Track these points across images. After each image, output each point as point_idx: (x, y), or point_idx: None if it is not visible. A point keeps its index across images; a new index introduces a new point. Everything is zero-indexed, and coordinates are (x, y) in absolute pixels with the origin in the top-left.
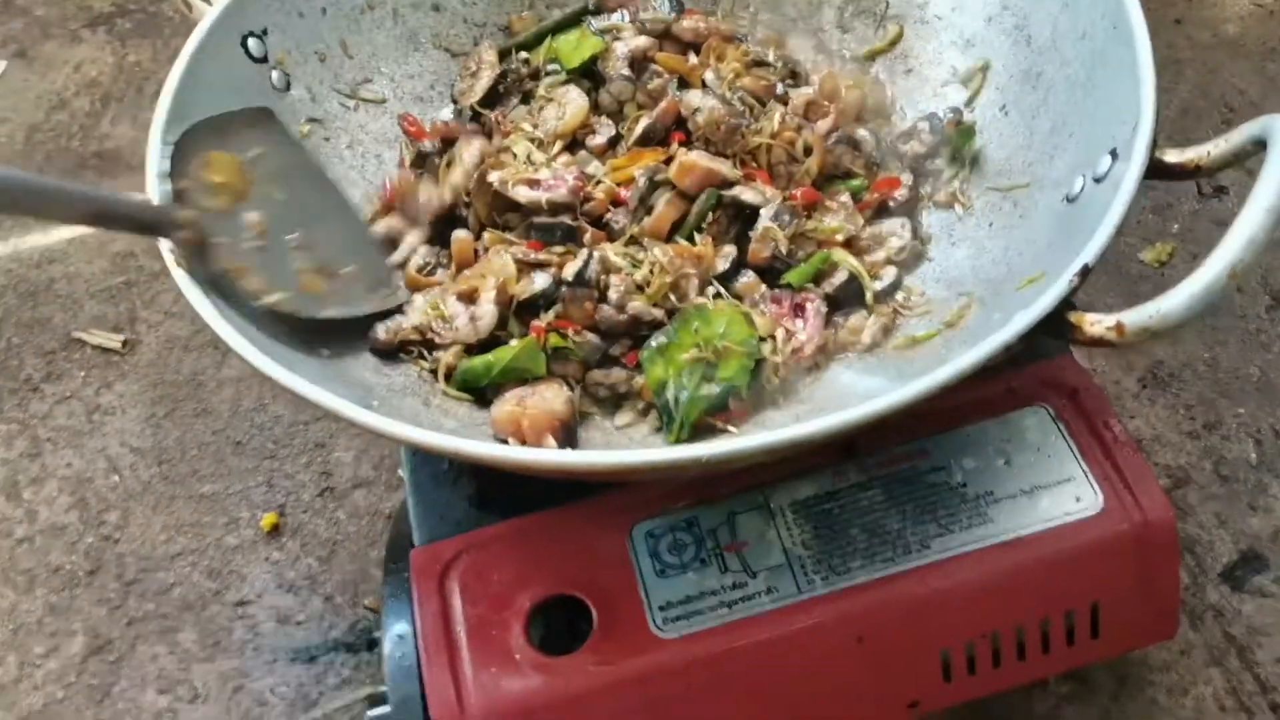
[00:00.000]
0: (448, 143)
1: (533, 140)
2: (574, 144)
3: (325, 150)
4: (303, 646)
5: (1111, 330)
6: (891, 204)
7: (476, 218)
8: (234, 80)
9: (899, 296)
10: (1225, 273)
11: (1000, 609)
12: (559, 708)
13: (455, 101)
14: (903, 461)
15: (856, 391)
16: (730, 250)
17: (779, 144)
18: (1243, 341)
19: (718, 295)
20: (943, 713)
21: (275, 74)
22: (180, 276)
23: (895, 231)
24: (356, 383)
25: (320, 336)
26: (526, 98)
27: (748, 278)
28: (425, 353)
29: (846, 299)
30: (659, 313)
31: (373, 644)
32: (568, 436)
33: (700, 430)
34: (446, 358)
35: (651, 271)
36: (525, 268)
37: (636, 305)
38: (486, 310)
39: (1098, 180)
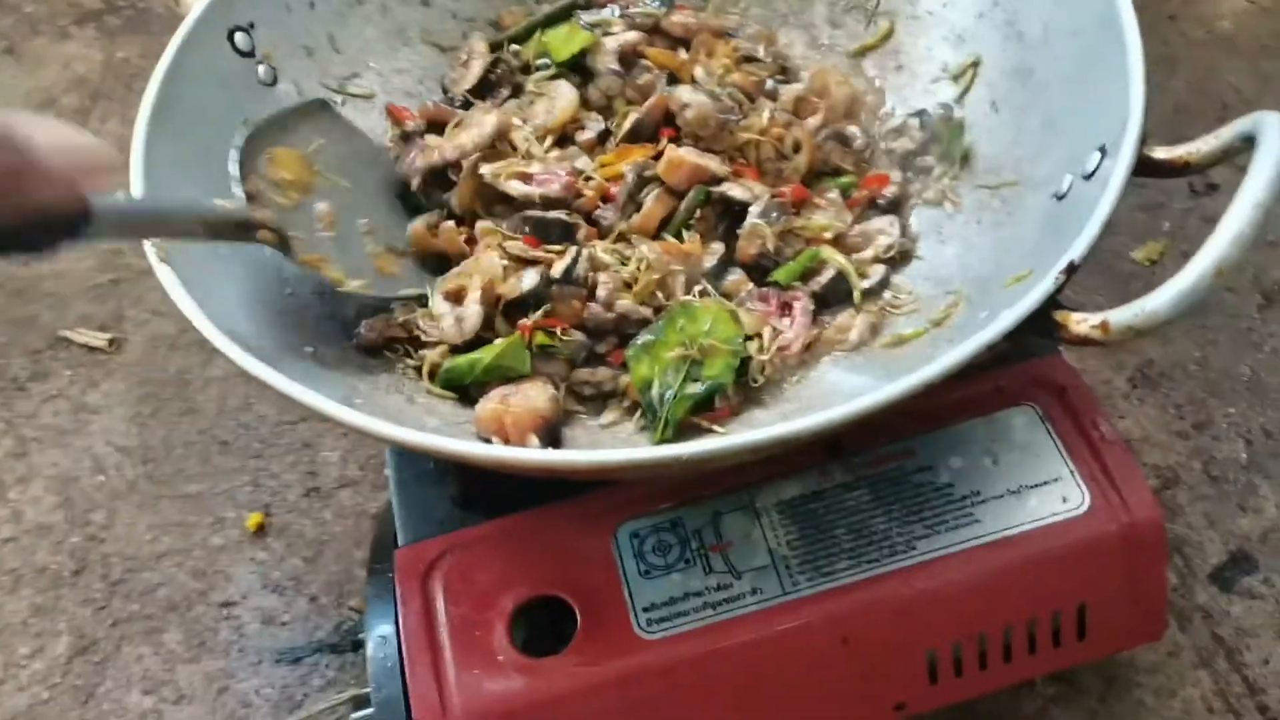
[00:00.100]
0: (434, 124)
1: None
2: (563, 139)
3: None
4: (288, 648)
5: (1097, 329)
6: (880, 201)
7: (461, 203)
8: (221, 74)
9: (887, 295)
10: (1211, 271)
11: (987, 610)
12: (542, 709)
13: (446, 91)
14: (889, 461)
15: (843, 390)
16: (718, 247)
17: (768, 140)
18: (1233, 341)
19: (704, 293)
20: (929, 714)
21: (262, 68)
22: (164, 274)
23: (884, 229)
24: (340, 381)
25: (306, 334)
26: (516, 90)
27: (735, 275)
28: (410, 350)
29: (834, 297)
30: (647, 311)
31: (358, 645)
32: (551, 435)
33: (685, 429)
34: (432, 356)
35: (639, 269)
36: (515, 264)
37: (624, 304)
38: (472, 311)
39: (1086, 177)
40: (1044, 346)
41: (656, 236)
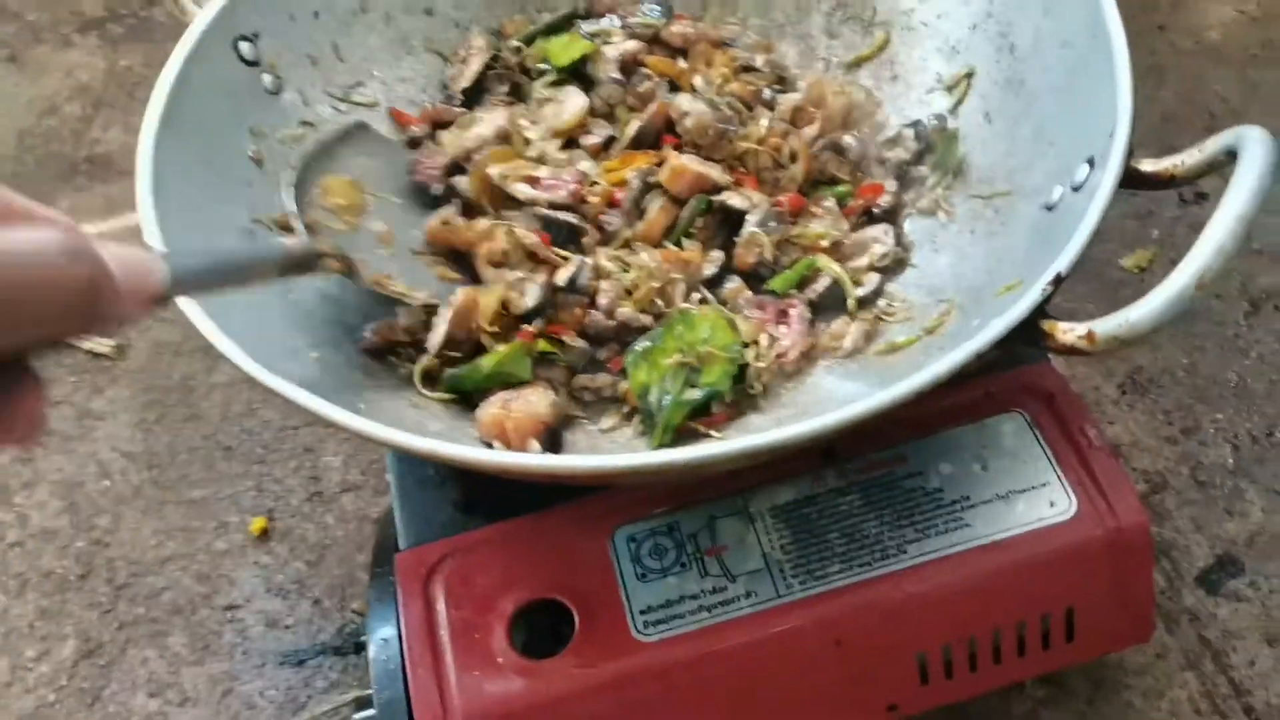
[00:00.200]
0: (437, 126)
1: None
2: (567, 144)
3: None
4: (291, 650)
5: (1083, 339)
6: (876, 210)
7: (474, 192)
8: (226, 84)
9: (881, 303)
10: (1194, 282)
11: (976, 613)
12: (541, 710)
13: (446, 88)
14: (881, 467)
15: (837, 396)
16: (718, 255)
17: (765, 150)
18: (1221, 347)
19: (703, 300)
20: (921, 716)
21: (267, 77)
22: None
23: (878, 238)
24: (345, 385)
25: (311, 339)
26: (515, 89)
27: (733, 283)
28: (414, 355)
29: (829, 305)
30: (647, 319)
31: (360, 647)
32: (551, 440)
33: (683, 434)
34: (424, 361)
35: (640, 277)
36: (523, 259)
37: (625, 311)
38: (439, 332)
39: (1075, 189)
40: (1033, 354)
41: (659, 244)
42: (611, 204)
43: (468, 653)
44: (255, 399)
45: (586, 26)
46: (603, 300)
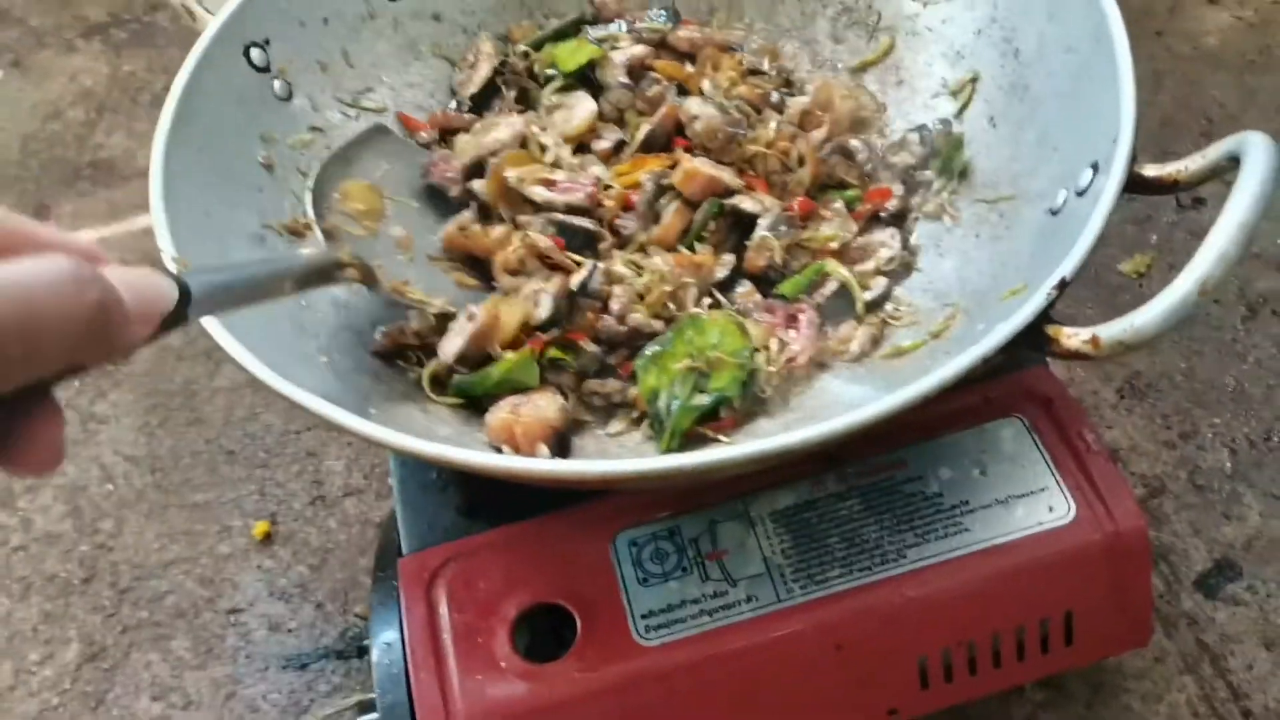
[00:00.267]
0: (446, 132)
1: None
2: (579, 148)
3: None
4: (294, 654)
5: (1088, 344)
6: (883, 214)
7: (490, 197)
8: (236, 90)
9: (888, 307)
10: (1196, 288)
11: (976, 617)
12: (543, 714)
13: (455, 93)
14: (881, 471)
15: (844, 400)
16: (730, 259)
17: (774, 153)
18: (1219, 352)
19: (714, 305)
20: None
21: (277, 83)
22: None
23: (885, 242)
24: (355, 390)
25: (322, 343)
26: (523, 95)
27: (744, 287)
28: (423, 359)
29: (836, 309)
30: (659, 324)
31: (363, 651)
32: (560, 444)
33: (691, 439)
34: (432, 365)
35: (652, 281)
36: (537, 263)
37: (637, 317)
38: (454, 344)
39: (1079, 193)
40: (1031, 359)
41: (674, 248)
42: (626, 207)
43: (470, 656)
44: (258, 403)
45: (594, 32)
46: (615, 305)
